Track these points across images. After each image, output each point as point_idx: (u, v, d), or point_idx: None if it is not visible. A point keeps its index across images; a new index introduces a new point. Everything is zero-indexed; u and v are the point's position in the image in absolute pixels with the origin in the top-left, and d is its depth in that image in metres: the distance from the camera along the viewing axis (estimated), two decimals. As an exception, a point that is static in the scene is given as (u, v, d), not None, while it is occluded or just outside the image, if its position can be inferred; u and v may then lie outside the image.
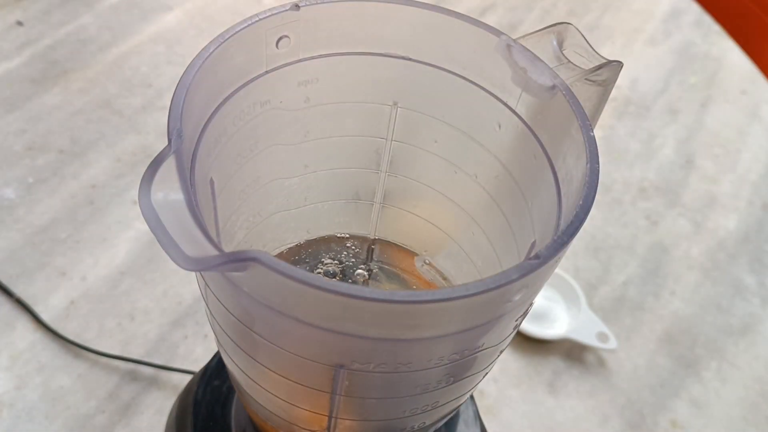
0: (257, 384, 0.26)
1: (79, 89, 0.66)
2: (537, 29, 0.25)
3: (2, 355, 0.49)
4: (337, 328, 0.20)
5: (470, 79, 0.27)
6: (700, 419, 0.52)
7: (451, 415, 0.30)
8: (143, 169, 0.18)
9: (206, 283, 0.23)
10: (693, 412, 0.52)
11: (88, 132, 0.63)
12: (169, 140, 0.19)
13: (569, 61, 0.25)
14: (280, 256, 0.34)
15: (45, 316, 0.51)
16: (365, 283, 0.34)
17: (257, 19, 0.24)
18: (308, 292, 0.18)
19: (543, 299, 0.56)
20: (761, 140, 0.75)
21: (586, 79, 0.24)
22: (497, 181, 0.28)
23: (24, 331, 0.50)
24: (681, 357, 0.55)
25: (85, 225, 0.56)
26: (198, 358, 0.50)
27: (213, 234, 0.24)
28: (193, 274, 0.23)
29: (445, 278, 0.33)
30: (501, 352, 0.25)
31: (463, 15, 0.25)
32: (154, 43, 0.72)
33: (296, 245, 0.34)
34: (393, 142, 0.31)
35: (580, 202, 0.21)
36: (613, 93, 0.25)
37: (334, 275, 0.34)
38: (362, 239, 0.35)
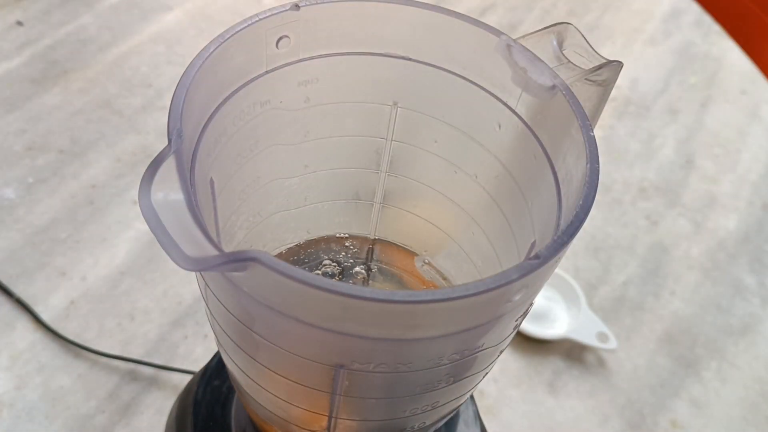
0: (257, 384, 0.26)
1: (79, 89, 0.66)
2: (537, 29, 0.25)
3: (2, 355, 0.49)
4: (336, 328, 0.20)
5: (470, 79, 0.27)
6: (700, 419, 0.52)
7: (451, 415, 0.30)
8: (143, 169, 0.18)
9: (206, 283, 0.23)
10: (693, 412, 0.52)
11: (88, 132, 0.63)
12: (169, 140, 0.19)
13: (569, 61, 0.25)
14: (280, 256, 0.34)
15: (45, 316, 0.51)
16: (365, 283, 0.34)
17: (257, 19, 0.24)
18: (308, 292, 0.18)
19: (543, 299, 0.56)
20: (761, 140, 0.75)
21: (586, 79, 0.24)
22: (497, 181, 0.28)
23: (24, 331, 0.50)
24: (681, 357, 0.55)
25: (85, 225, 0.56)
26: (198, 358, 0.50)
27: (213, 234, 0.24)
28: (193, 274, 0.23)
29: (445, 278, 0.33)
30: (501, 352, 0.25)
31: (463, 15, 0.25)
32: (154, 43, 0.72)
33: (296, 245, 0.34)
34: (393, 142, 0.31)
35: (580, 202, 0.21)
36: (613, 93, 0.25)
37: (333, 275, 0.34)
38: (362, 239, 0.35)
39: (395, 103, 0.29)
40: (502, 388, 0.51)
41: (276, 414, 0.28)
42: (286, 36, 0.25)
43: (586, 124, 0.22)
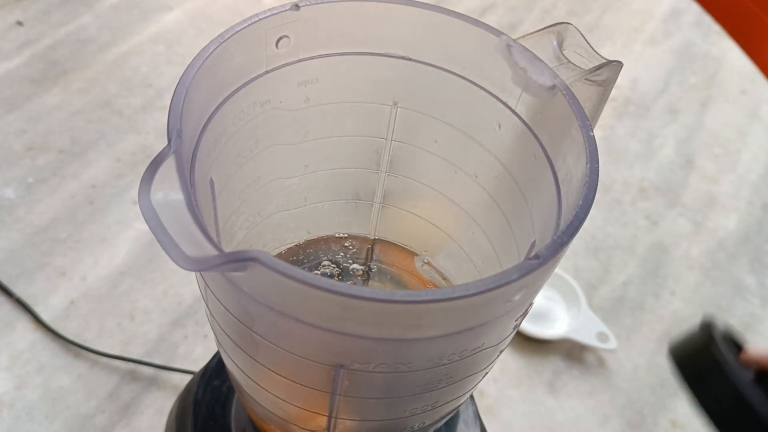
0: (257, 384, 0.26)
1: (79, 89, 0.66)
2: (537, 29, 0.25)
3: (2, 355, 0.49)
4: (336, 328, 0.20)
5: (470, 79, 0.27)
6: (700, 419, 0.52)
7: (451, 415, 0.30)
8: (143, 169, 0.18)
9: (206, 283, 0.23)
10: (693, 412, 0.52)
11: (88, 132, 0.63)
12: (169, 140, 0.19)
13: (569, 61, 0.25)
14: (280, 256, 0.34)
15: (45, 316, 0.51)
16: (365, 283, 0.34)
17: (257, 19, 0.24)
18: (308, 292, 0.18)
19: (543, 299, 0.56)
20: (761, 140, 0.75)
21: (586, 79, 0.24)
22: (497, 181, 0.28)
23: (24, 331, 0.50)
24: (681, 357, 0.55)
25: (85, 225, 0.56)
26: (198, 358, 0.50)
27: (213, 234, 0.24)
28: (193, 274, 0.23)
29: (445, 278, 0.33)
30: (501, 352, 0.25)
31: (463, 15, 0.25)
32: (154, 43, 0.72)
33: (296, 245, 0.34)
34: (393, 142, 0.31)
35: (580, 202, 0.21)
36: (613, 93, 0.25)
37: (333, 275, 0.34)
38: (362, 239, 0.35)
39: (395, 103, 0.29)
40: (502, 388, 0.51)
41: (276, 414, 0.28)
42: (286, 36, 0.25)
43: (586, 124, 0.22)
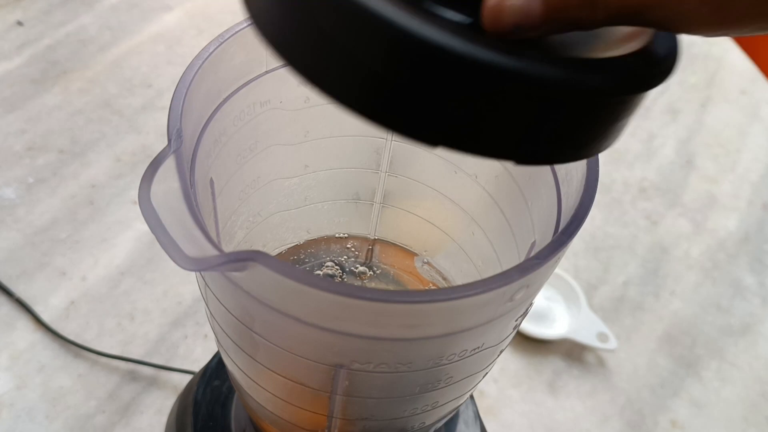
0: (257, 384, 0.26)
1: (79, 89, 0.66)
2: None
3: (2, 355, 0.49)
4: (336, 328, 0.20)
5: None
6: (700, 419, 0.52)
7: (451, 415, 0.30)
8: (143, 169, 0.18)
9: (206, 283, 0.23)
10: (693, 412, 0.52)
11: (88, 132, 0.63)
12: (169, 140, 0.19)
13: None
14: (280, 256, 0.34)
15: (45, 316, 0.51)
16: (365, 282, 0.34)
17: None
18: (307, 291, 0.18)
19: (543, 299, 0.56)
20: (761, 140, 0.75)
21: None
22: (497, 181, 0.28)
23: (24, 331, 0.50)
24: (681, 357, 0.55)
25: (85, 225, 0.56)
26: (198, 358, 0.50)
27: (213, 234, 0.24)
28: (193, 274, 0.23)
29: (445, 278, 0.33)
30: (501, 352, 0.25)
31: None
32: (154, 43, 0.72)
33: (296, 245, 0.34)
34: (393, 142, 0.31)
35: (580, 202, 0.21)
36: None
37: (334, 275, 0.34)
38: (362, 239, 0.35)
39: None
40: (502, 388, 0.52)
41: (276, 414, 0.28)
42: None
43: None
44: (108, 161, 0.61)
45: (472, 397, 0.40)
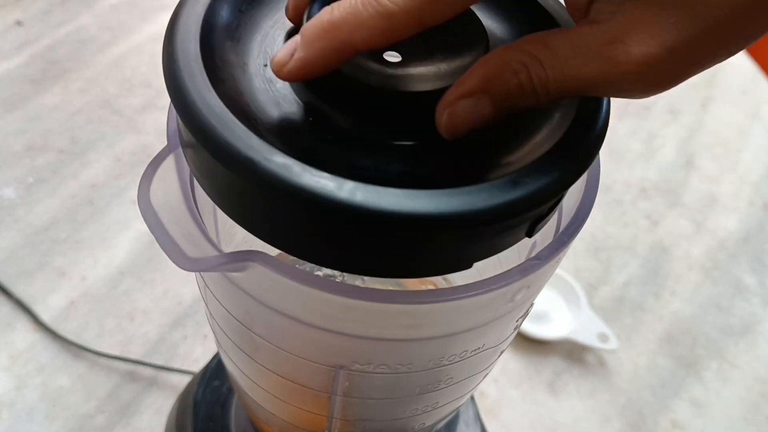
0: (257, 384, 0.26)
1: (78, 89, 0.66)
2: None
3: (2, 355, 0.49)
4: (336, 329, 0.20)
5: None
6: (701, 419, 0.52)
7: (452, 415, 0.30)
8: (143, 169, 0.18)
9: (206, 284, 0.23)
10: (693, 413, 0.52)
11: (88, 132, 0.63)
12: (169, 140, 0.19)
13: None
14: (280, 256, 0.34)
15: (45, 317, 0.51)
16: (365, 282, 0.34)
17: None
18: (308, 292, 0.18)
19: (543, 299, 0.56)
20: (762, 140, 0.74)
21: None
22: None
23: (24, 332, 0.50)
24: (681, 357, 0.55)
25: (84, 225, 0.56)
26: (198, 359, 0.50)
27: (213, 234, 0.24)
28: (193, 274, 0.23)
29: (445, 278, 0.33)
30: (501, 352, 0.25)
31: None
32: (154, 42, 0.72)
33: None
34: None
35: (580, 203, 0.21)
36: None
37: (333, 275, 0.34)
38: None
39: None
40: (502, 389, 0.51)
41: (276, 414, 0.28)
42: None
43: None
44: (108, 161, 0.61)
45: (472, 397, 0.40)
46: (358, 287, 0.17)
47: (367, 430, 0.27)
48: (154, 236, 0.17)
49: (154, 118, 0.65)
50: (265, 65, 0.20)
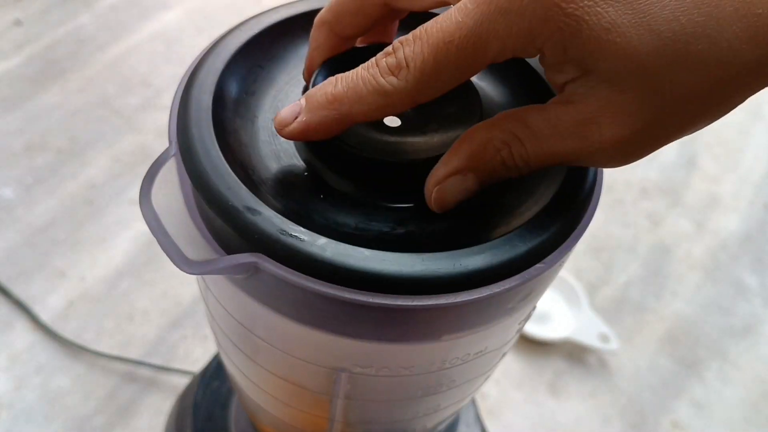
0: (257, 386, 0.26)
1: (77, 89, 0.66)
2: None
3: (1, 355, 0.48)
4: (338, 331, 0.19)
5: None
6: (702, 420, 0.52)
7: (453, 417, 0.30)
8: (142, 168, 0.18)
9: (207, 285, 0.23)
10: (694, 413, 0.52)
11: (87, 132, 0.63)
12: (170, 142, 0.19)
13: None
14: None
15: (44, 317, 0.50)
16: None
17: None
18: (309, 294, 0.18)
19: (544, 300, 0.56)
20: (763, 140, 0.74)
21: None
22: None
23: (23, 332, 0.50)
24: (682, 358, 0.55)
25: (84, 225, 0.56)
26: (197, 359, 0.50)
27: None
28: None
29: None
30: (503, 355, 0.25)
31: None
32: (153, 42, 0.72)
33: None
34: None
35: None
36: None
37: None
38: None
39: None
40: (503, 390, 0.51)
41: (276, 416, 0.28)
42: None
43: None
44: (107, 161, 0.61)
45: (473, 398, 0.39)
46: (359, 291, 0.17)
47: (368, 432, 0.27)
48: (156, 239, 0.17)
49: (154, 118, 0.65)
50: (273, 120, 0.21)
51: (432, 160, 0.19)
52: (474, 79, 0.22)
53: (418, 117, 0.21)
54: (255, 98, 0.22)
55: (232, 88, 0.21)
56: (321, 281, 0.17)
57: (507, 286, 0.18)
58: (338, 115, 0.18)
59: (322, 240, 0.17)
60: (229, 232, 0.18)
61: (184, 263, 0.17)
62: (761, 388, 0.54)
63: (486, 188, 0.19)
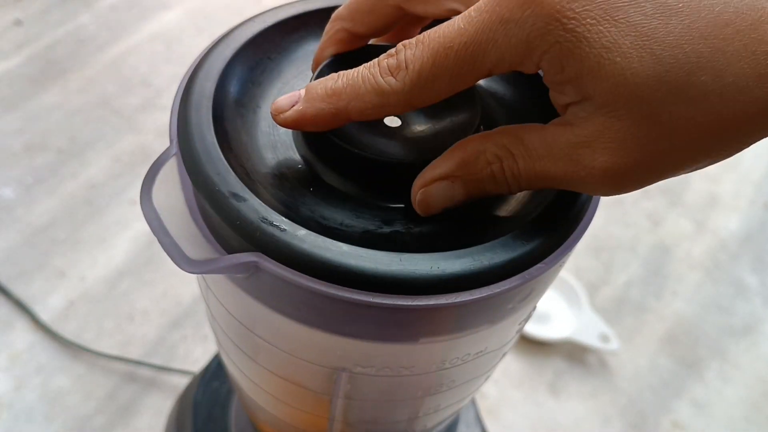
0: (258, 386, 0.26)
1: (77, 89, 0.66)
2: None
3: (1, 355, 0.48)
4: (338, 331, 0.19)
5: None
6: (702, 419, 0.52)
7: (453, 417, 0.30)
8: (142, 168, 0.18)
9: (207, 285, 0.23)
10: (694, 413, 0.52)
11: (87, 131, 0.63)
12: (171, 141, 0.19)
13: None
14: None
15: (44, 317, 0.50)
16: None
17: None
18: (309, 294, 0.18)
19: (544, 300, 0.56)
20: (763, 140, 0.74)
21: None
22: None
23: (23, 332, 0.50)
24: (682, 357, 0.55)
25: (84, 225, 0.56)
26: (197, 359, 0.50)
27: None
28: (194, 274, 0.23)
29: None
30: (503, 355, 0.25)
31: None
32: (154, 42, 0.72)
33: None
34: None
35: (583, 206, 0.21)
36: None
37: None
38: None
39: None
40: (503, 390, 0.51)
41: (276, 416, 0.28)
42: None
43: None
44: (107, 161, 0.61)
45: (473, 398, 0.39)
46: (359, 290, 0.17)
47: (368, 431, 0.27)
48: (157, 238, 0.17)
49: (154, 118, 0.65)
50: None
51: (424, 164, 0.19)
52: (493, 83, 0.23)
53: (418, 120, 0.21)
54: (261, 89, 0.22)
55: (238, 78, 0.21)
56: (323, 283, 0.17)
57: (509, 287, 0.18)
58: (334, 109, 0.18)
59: (303, 231, 0.17)
60: (226, 230, 0.18)
61: (185, 262, 0.17)
62: (761, 388, 0.54)
63: (473, 201, 0.19)
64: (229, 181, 0.18)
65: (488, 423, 0.42)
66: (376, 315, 0.18)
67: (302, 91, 0.19)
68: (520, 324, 0.23)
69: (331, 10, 0.22)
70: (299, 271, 0.17)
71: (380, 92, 0.18)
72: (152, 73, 0.69)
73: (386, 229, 0.19)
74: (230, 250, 0.18)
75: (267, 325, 0.21)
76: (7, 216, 0.56)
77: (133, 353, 0.49)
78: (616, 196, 0.18)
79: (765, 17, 0.15)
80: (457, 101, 0.19)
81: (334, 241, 0.17)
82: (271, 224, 0.17)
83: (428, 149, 0.20)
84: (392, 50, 0.18)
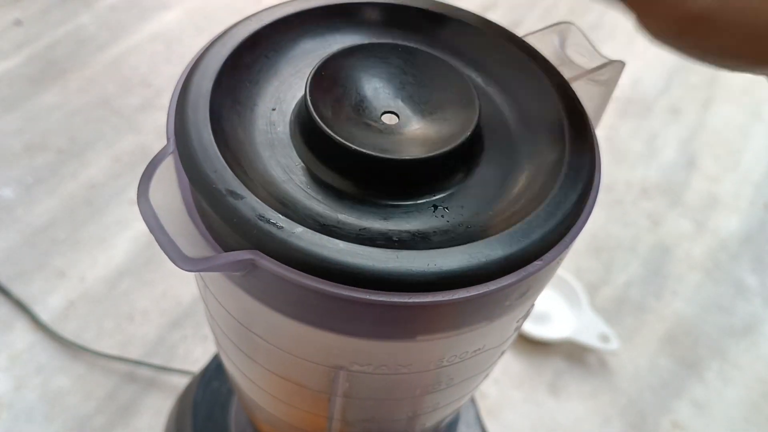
0: (257, 385, 0.26)
1: (77, 89, 0.66)
2: (539, 28, 0.25)
3: (1, 355, 0.49)
4: (336, 329, 0.19)
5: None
6: (702, 420, 0.52)
7: (452, 416, 0.30)
8: (142, 169, 0.18)
9: (206, 284, 0.23)
10: (694, 413, 0.52)
11: (87, 132, 0.63)
12: (168, 139, 0.19)
13: (571, 61, 0.25)
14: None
15: (44, 317, 0.50)
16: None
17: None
18: (307, 292, 0.18)
19: (544, 300, 0.56)
20: (763, 140, 0.74)
21: (588, 78, 0.24)
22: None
23: (23, 332, 0.50)
24: (683, 358, 0.55)
25: (84, 225, 0.56)
26: (197, 359, 0.50)
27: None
28: (193, 274, 0.23)
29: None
30: (502, 353, 0.25)
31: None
32: (153, 42, 0.72)
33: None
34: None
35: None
36: (615, 92, 0.25)
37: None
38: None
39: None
40: (503, 389, 0.51)
41: (275, 415, 0.28)
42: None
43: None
44: (107, 161, 0.61)
45: (473, 398, 0.40)
46: (355, 288, 0.17)
47: (367, 431, 0.27)
48: (153, 236, 0.17)
49: (154, 118, 0.65)
50: (273, 109, 0.21)
51: (422, 161, 0.19)
52: (493, 83, 0.23)
53: (416, 117, 0.21)
54: (258, 87, 0.22)
55: (236, 76, 0.21)
56: (321, 281, 0.17)
57: (503, 284, 0.18)
58: None
59: (299, 229, 0.17)
60: (222, 227, 0.18)
61: (182, 261, 0.17)
62: (762, 388, 0.54)
63: (470, 198, 0.19)
64: (226, 178, 0.18)
65: (488, 423, 0.42)
66: (373, 312, 0.18)
67: None
68: (518, 321, 0.23)
69: (328, 8, 0.22)
70: (296, 269, 0.17)
71: None
72: (152, 73, 0.69)
73: (383, 227, 0.19)
74: (227, 247, 0.18)
75: (264, 323, 0.21)
76: (7, 216, 0.56)
77: (133, 353, 0.49)
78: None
79: None
80: (455, 98, 0.19)
81: (331, 239, 0.17)
82: (268, 222, 0.17)
83: (426, 146, 0.20)
84: None
